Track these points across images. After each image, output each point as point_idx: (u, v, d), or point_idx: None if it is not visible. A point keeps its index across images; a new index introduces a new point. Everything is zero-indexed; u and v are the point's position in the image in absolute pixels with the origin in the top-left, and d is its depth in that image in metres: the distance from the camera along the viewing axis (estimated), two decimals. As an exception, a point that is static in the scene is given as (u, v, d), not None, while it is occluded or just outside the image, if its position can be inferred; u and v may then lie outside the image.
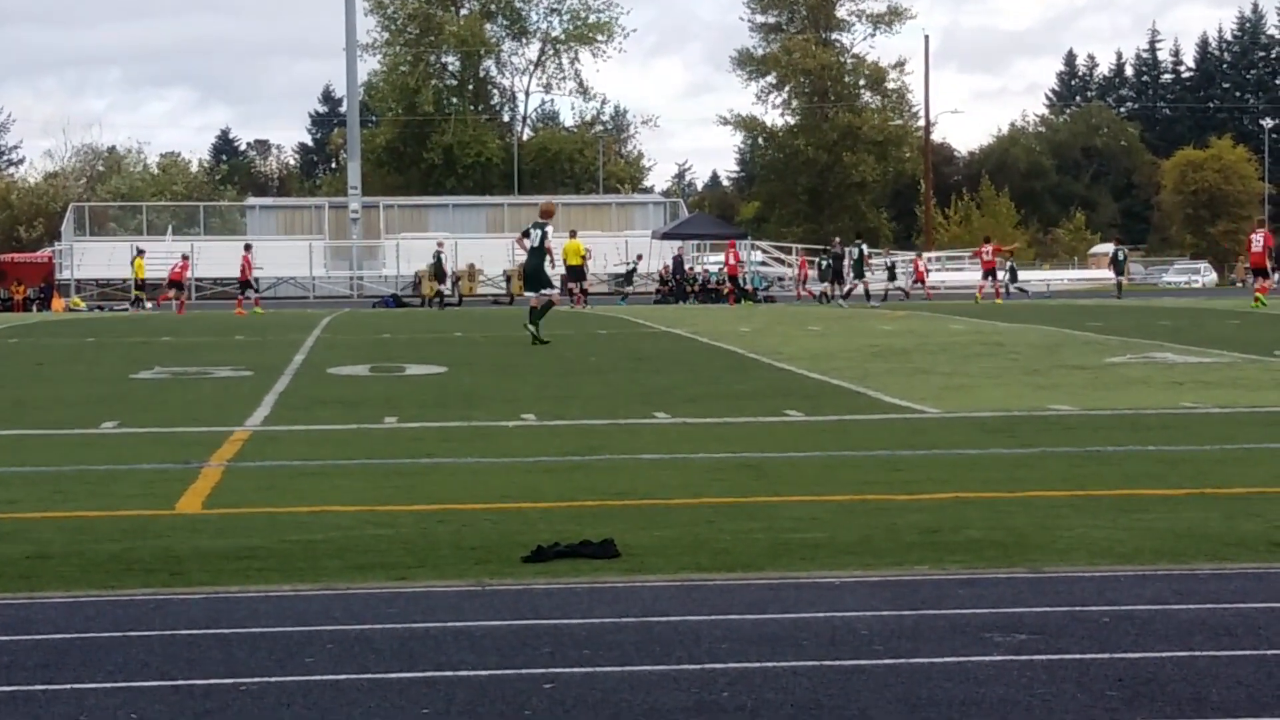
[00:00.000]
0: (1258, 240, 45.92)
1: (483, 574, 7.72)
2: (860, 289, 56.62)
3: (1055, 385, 17.95)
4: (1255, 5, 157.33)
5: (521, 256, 31.42)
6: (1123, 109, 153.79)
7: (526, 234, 27.91)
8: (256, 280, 51.36)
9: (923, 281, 67.48)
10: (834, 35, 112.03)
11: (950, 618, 6.63)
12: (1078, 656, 5.94)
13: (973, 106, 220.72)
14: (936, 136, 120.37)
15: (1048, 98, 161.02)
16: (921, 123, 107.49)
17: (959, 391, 17.44)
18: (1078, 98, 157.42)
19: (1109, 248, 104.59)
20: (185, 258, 59.39)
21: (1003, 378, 19.30)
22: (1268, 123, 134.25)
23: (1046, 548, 8.17)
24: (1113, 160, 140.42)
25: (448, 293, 60.08)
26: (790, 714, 5.27)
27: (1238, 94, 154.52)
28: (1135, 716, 5.18)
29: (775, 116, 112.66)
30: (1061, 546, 8.20)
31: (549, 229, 27.99)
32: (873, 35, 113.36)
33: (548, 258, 28.03)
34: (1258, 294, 43.82)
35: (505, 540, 8.52)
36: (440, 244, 62.38)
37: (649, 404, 16.36)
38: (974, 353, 23.95)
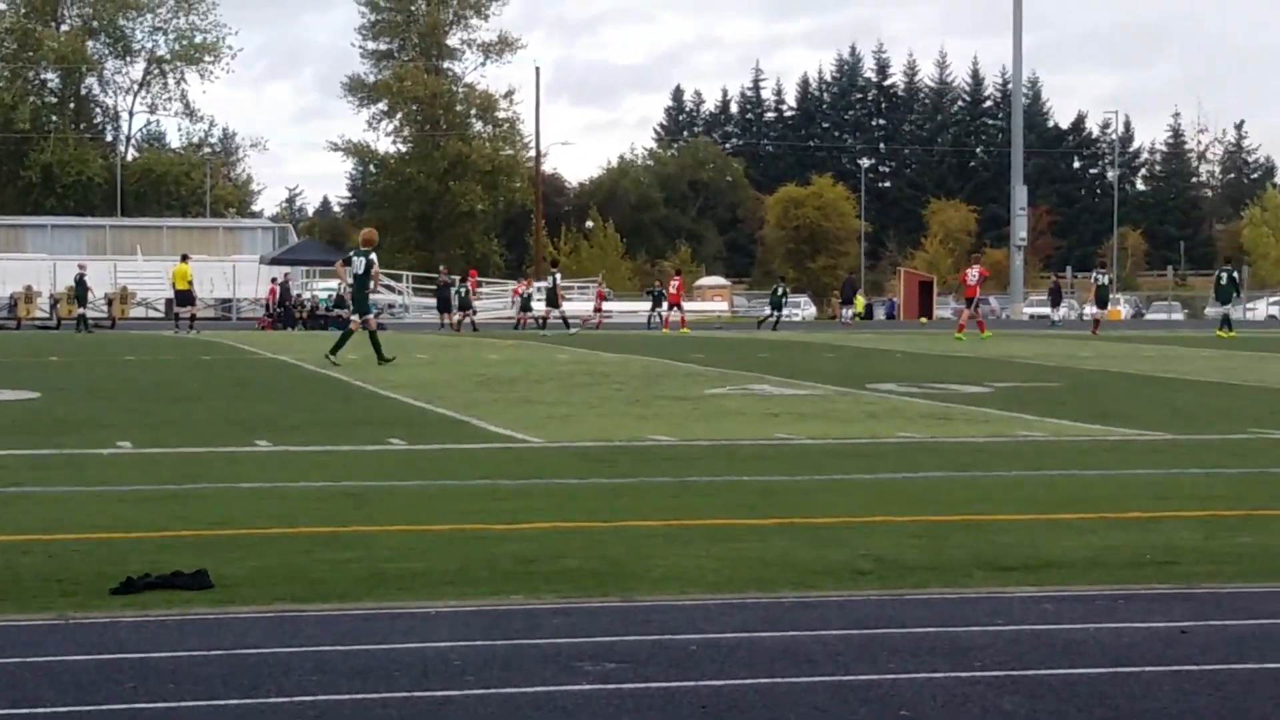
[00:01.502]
0: (973, 274, 48.64)
1: (68, 606, 7.47)
2: (558, 316, 56.98)
3: (656, 415, 18.27)
4: (853, 49, 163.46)
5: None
6: (728, 145, 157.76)
7: (348, 261, 29.26)
8: None
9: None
10: (445, 63, 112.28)
11: (543, 647, 6.67)
12: (664, 684, 6.04)
13: (585, 138, 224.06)
14: (547, 167, 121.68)
15: (656, 132, 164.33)
16: (532, 153, 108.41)
17: (562, 421, 17.61)
18: (685, 132, 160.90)
19: (717, 280, 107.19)
20: None
21: (605, 407, 19.56)
22: (865, 162, 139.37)
23: (641, 577, 8.29)
24: (718, 194, 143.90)
25: (95, 315, 58.23)
26: (378, 747, 5.23)
27: (836, 134, 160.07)
28: (717, 743, 5.28)
29: (386, 143, 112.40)
30: (655, 576, 8.33)
31: (372, 257, 29.03)
32: (484, 65, 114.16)
33: (371, 283, 29.27)
34: (971, 326, 46.53)
35: (94, 572, 8.27)
36: (82, 266, 60.13)
37: (251, 432, 16.10)
38: (578, 383, 24.24)
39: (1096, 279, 56.47)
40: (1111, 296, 63.14)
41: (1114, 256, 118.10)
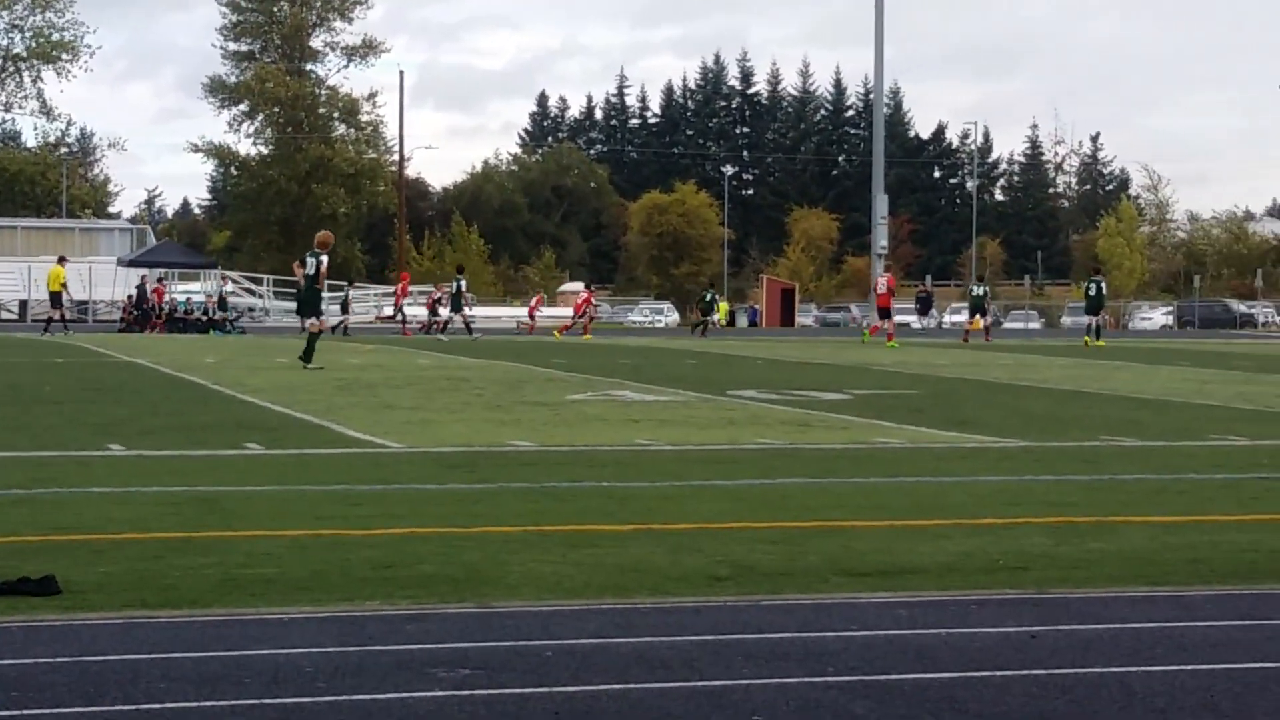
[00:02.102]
0: (882, 283, 49.59)
1: (-90, 614, 7.32)
2: (460, 322, 56.40)
3: (516, 421, 18.23)
4: (718, 57, 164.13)
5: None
6: (593, 151, 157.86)
7: (303, 262, 29.36)
8: None
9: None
10: (308, 66, 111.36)
11: (397, 653, 6.63)
12: (518, 691, 6.02)
13: (450, 143, 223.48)
14: (411, 171, 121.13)
15: (521, 137, 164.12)
16: (396, 157, 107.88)
17: (422, 426, 17.53)
18: (549, 138, 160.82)
19: (578, 286, 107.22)
20: None
21: (465, 413, 19.50)
22: (728, 170, 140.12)
23: (497, 583, 8.26)
24: (583, 200, 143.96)
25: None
26: (226, 755, 5.17)
27: (700, 141, 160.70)
28: (570, 749, 5.27)
29: (248, 145, 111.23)
30: (511, 582, 8.30)
31: (324, 259, 29.27)
32: (347, 67, 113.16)
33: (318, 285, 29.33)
34: (869, 332, 47.39)
35: (-63, 579, 8.10)
36: None
37: (104, 435, 15.87)
38: (439, 388, 24.15)
39: (973, 290, 57.28)
40: (988, 307, 63.92)
41: (973, 266, 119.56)
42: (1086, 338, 49.65)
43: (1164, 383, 28.04)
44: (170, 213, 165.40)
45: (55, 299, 52.50)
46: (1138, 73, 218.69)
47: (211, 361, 31.88)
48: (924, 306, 78.81)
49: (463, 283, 57.33)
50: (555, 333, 57.78)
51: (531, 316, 68.79)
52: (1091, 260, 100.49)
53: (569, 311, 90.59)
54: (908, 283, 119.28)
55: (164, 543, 9.36)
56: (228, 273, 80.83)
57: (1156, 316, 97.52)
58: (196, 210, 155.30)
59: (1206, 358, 40.01)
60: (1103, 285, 53.71)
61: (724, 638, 7.01)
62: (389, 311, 69.43)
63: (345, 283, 60.68)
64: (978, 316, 57.07)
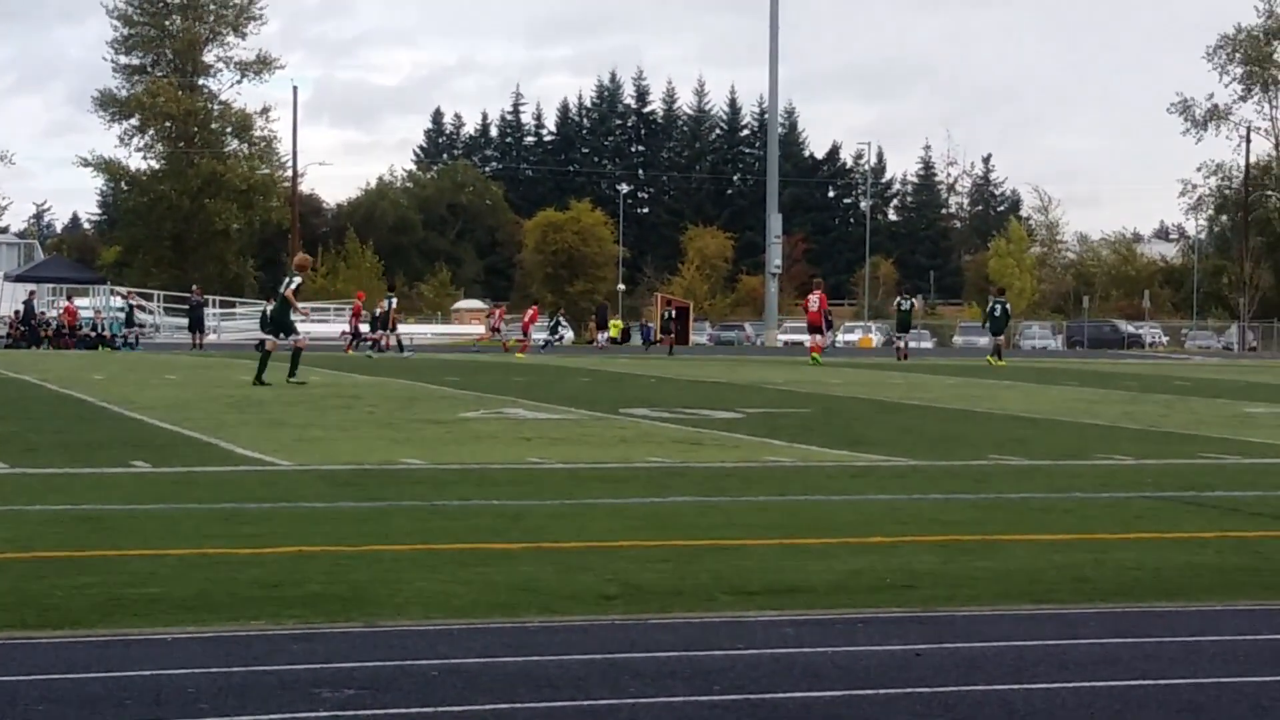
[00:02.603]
0: (814, 300, 50.02)
1: None
2: (393, 341, 56.97)
3: (408, 439, 18.16)
4: (614, 75, 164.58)
5: None
6: (488, 168, 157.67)
7: (286, 285, 29.53)
8: None
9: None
10: (201, 80, 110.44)
11: (281, 673, 6.58)
12: (404, 710, 5.99)
13: (345, 159, 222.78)
14: (305, 187, 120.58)
15: (416, 154, 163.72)
16: (289, 172, 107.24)
17: (312, 444, 17.42)
18: (445, 155, 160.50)
19: (474, 303, 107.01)
20: None
21: (357, 430, 19.39)
22: (624, 188, 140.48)
23: (385, 602, 8.22)
24: (478, 218, 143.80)
25: None
26: (106, 778, 5.11)
27: (596, 159, 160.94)
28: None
29: (139, 160, 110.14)
30: (399, 601, 8.26)
31: (298, 280, 29.74)
32: (240, 82, 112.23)
33: (290, 305, 29.60)
34: (813, 352, 47.51)
35: None
36: None
37: (-13, 453, 15.65)
38: (331, 405, 24.01)
39: (900, 304, 57.64)
40: (864, 324, 64.45)
41: (866, 285, 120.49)
42: (990, 357, 50.07)
43: (1052, 402, 28.34)
44: (59, 227, 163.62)
45: None
46: (1028, 95, 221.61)
47: (100, 378, 31.52)
48: (827, 325, 79.30)
49: (393, 302, 57.98)
50: (517, 355, 57.40)
51: (497, 331, 68.59)
52: (985, 281, 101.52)
53: (463, 329, 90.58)
54: (799, 302, 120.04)
55: (46, 562, 9.24)
56: (117, 288, 79.77)
57: (1050, 340, 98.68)
58: (86, 225, 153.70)
59: (1094, 378, 40.46)
60: (1007, 306, 54.31)
61: (612, 656, 7.01)
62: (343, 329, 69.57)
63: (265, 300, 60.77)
64: (909, 331, 57.52)
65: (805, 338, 79.23)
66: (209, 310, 59.78)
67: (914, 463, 16.49)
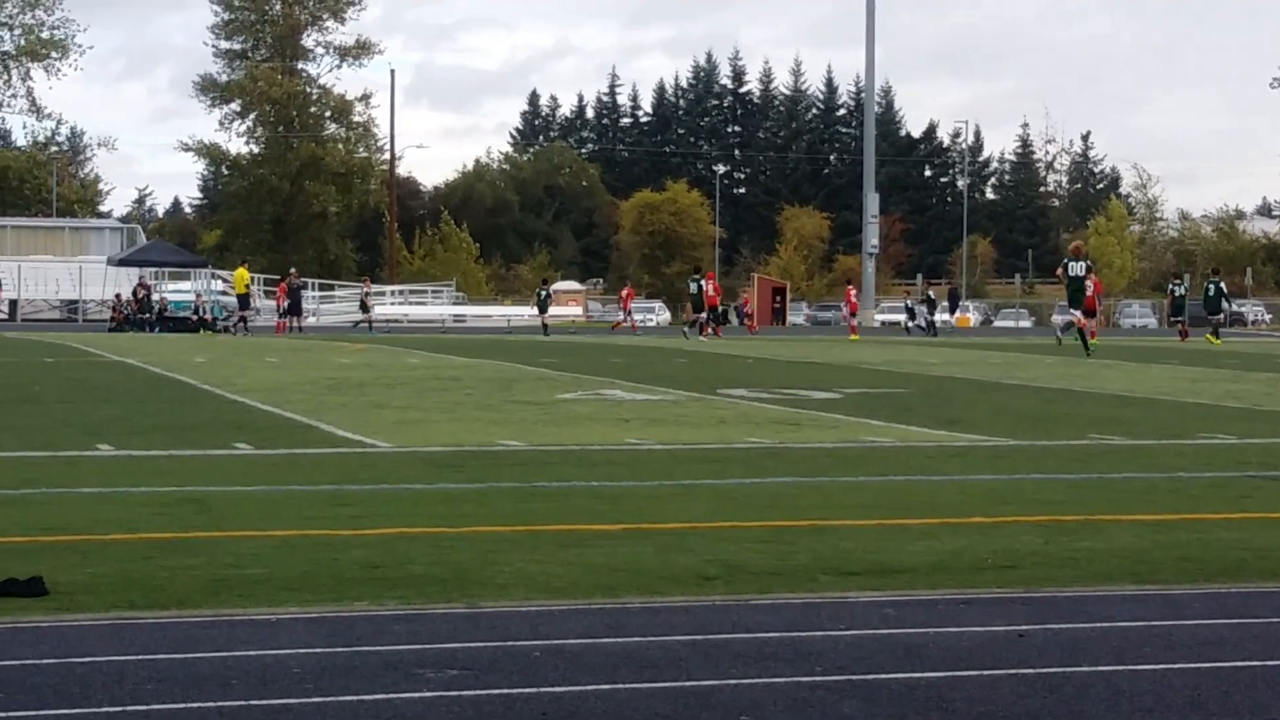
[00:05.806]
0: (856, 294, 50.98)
1: (-103, 616, 7.30)
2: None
3: (506, 421, 18.22)
4: (710, 56, 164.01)
5: None
6: (584, 150, 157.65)
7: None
8: None
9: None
10: (300, 65, 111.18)
11: (384, 654, 6.62)
12: (505, 691, 6.01)
13: (443, 142, 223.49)
14: (403, 171, 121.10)
15: (512, 136, 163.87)
16: (387, 155, 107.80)
17: (412, 426, 17.51)
18: (541, 137, 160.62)
19: (572, 284, 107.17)
20: None
21: (456, 412, 19.48)
22: (720, 168, 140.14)
23: (486, 583, 8.25)
24: (574, 199, 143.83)
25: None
26: (213, 756, 5.16)
27: (692, 140, 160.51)
28: (557, 749, 5.26)
29: (239, 144, 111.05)
30: (500, 582, 8.29)
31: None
32: (339, 67, 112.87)
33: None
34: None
35: (-75, 579, 8.08)
36: None
37: (93, 435, 15.85)
38: (429, 387, 24.12)
39: (1172, 290, 57.23)
40: (962, 304, 64.16)
41: (964, 264, 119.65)
42: (1209, 336, 50.17)
43: (1153, 381, 28.06)
44: (161, 212, 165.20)
45: (242, 301, 60.20)
46: (1127, 71, 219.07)
47: (201, 361, 31.83)
48: (931, 307, 78.71)
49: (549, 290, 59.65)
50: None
51: (628, 312, 69.08)
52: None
53: (561, 310, 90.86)
54: (898, 282, 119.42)
55: (152, 543, 9.35)
56: (218, 271, 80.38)
57: (1150, 318, 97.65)
58: (187, 209, 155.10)
59: (1195, 356, 40.03)
60: (1222, 285, 54.01)
61: (712, 637, 7.01)
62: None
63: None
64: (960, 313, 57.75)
65: (900, 318, 79.33)
66: (307, 294, 60.17)
67: (1013, 442, 16.37)
